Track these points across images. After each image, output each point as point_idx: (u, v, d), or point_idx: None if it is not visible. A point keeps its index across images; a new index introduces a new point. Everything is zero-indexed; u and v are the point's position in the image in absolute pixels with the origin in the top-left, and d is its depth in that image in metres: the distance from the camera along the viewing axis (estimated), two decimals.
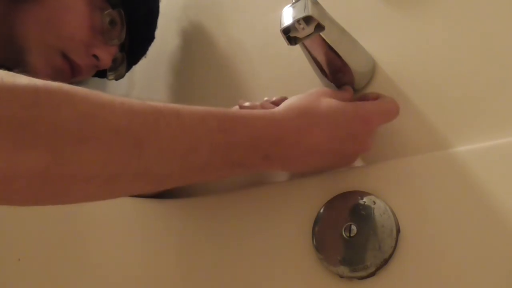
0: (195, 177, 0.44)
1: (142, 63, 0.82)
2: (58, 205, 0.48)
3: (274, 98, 0.56)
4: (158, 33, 0.80)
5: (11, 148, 0.31)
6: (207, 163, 0.43)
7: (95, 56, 0.70)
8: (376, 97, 0.54)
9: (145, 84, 0.87)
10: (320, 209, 0.52)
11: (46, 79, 0.34)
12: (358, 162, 0.54)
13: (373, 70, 0.58)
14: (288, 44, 0.51)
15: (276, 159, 0.47)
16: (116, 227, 0.55)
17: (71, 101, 0.34)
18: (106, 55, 0.71)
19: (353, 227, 0.48)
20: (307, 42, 0.51)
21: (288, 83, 0.59)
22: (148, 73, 0.87)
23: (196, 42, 0.83)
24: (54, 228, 0.48)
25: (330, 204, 0.51)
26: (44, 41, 0.66)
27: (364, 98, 0.54)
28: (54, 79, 0.35)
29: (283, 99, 0.55)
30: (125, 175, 0.38)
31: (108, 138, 0.36)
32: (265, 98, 0.57)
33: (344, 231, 0.49)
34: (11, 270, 0.43)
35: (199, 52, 0.81)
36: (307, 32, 0.49)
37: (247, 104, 0.55)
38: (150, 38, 0.79)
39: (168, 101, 0.79)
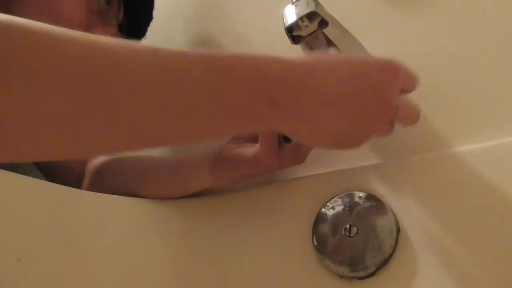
0: (181, 127, 0.36)
1: None
2: (57, 207, 0.48)
3: None
4: (160, 32, 0.80)
5: None
6: (194, 106, 0.35)
7: None
8: None
9: None
10: (320, 209, 0.52)
11: None
12: (358, 162, 0.54)
13: None
14: (292, 43, 0.51)
15: (285, 106, 0.38)
16: (116, 227, 0.55)
17: (24, 30, 0.30)
18: (105, 35, 0.70)
19: (353, 227, 0.48)
20: (310, 40, 0.51)
21: None
22: None
23: (198, 42, 0.83)
24: (54, 228, 0.48)
25: (330, 204, 0.51)
26: None
27: None
28: None
29: None
30: (87, 120, 0.32)
31: (65, 71, 0.30)
32: None
33: (344, 231, 0.49)
34: (11, 270, 0.43)
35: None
36: (310, 29, 0.49)
37: None
38: (148, 18, 0.79)
39: None
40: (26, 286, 0.44)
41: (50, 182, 0.50)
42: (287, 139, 0.52)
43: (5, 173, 0.45)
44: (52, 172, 0.70)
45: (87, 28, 0.69)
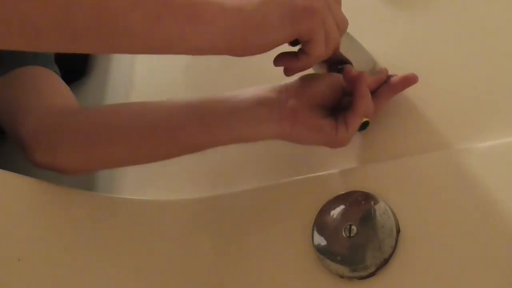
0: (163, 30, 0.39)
1: (144, 62, 0.82)
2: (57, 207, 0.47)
3: None
4: None
5: None
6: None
7: None
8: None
9: (147, 82, 0.87)
10: (320, 209, 0.52)
11: None
12: (358, 162, 0.54)
13: (373, 70, 0.58)
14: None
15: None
16: (116, 227, 0.55)
17: None
18: None
19: (353, 227, 0.48)
20: None
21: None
22: (149, 71, 0.87)
23: None
24: (54, 228, 0.48)
25: (330, 204, 0.51)
26: None
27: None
28: None
29: None
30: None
31: None
32: None
33: (344, 231, 0.49)
34: (11, 270, 0.43)
35: None
36: None
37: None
38: None
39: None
40: (26, 286, 0.44)
41: (50, 182, 0.50)
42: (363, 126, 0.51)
43: (5, 173, 0.45)
44: None
45: None
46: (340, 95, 0.53)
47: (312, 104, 0.51)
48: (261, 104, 0.51)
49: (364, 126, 0.51)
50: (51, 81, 0.61)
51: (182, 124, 0.52)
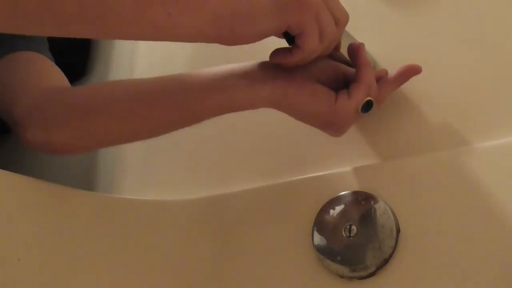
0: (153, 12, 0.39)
1: (144, 61, 0.82)
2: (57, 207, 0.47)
3: None
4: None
5: None
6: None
7: None
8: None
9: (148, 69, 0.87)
10: (320, 209, 0.52)
11: None
12: (359, 162, 0.54)
13: (373, 70, 0.58)
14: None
15: None
16: (116, 227, 0.55)
17: None
18: None
19: (353, 227, 0.48)
20: None
21: None
22: (149, 71, 0.87)
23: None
24: (54, 228, 0.48)
25: (330, 204, 0.51)
26: None
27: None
28: None
29: None
30: None
31: None
32: None
33: (344, 231, 0.49)
34: (11, 270, 0.43)
35: None
36: None
37: None
38: None
39: None
40: (26, 286, 0.44)
41: (50, 182, 0.50)
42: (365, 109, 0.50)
43: (5, 173, 0.45)
44: None
45: None
46: (341, 81, 0.51)
47: (309, 75, 0.50)
48: (256, 67, 0.51)
49: (368, 107, 0.50)
50: (45, 65, 0.61)
51: (178, 89, 0.51)
